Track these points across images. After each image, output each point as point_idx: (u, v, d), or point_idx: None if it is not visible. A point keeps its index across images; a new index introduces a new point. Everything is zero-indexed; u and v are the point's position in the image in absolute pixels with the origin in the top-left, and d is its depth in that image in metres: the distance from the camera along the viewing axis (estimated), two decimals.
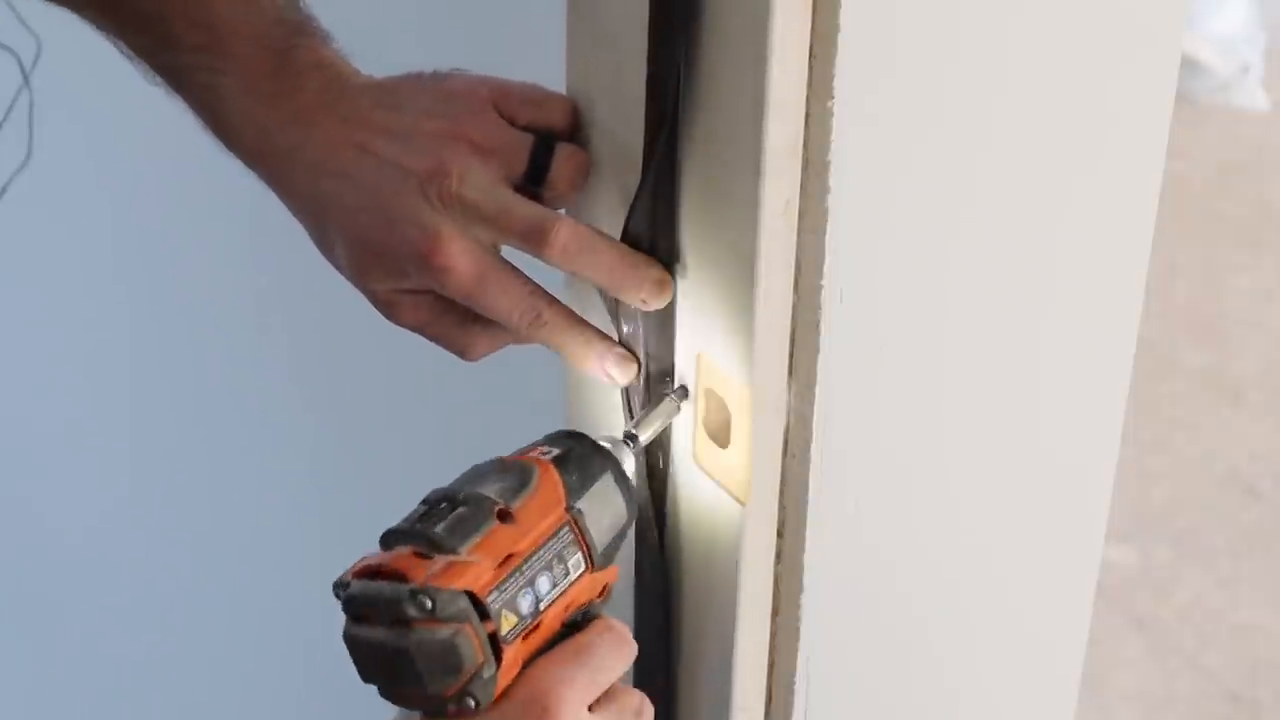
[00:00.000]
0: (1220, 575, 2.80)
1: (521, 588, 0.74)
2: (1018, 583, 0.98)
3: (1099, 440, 0.97)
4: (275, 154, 0.87)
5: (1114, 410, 0.96)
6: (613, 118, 0.86)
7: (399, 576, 0.72)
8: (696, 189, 0.81)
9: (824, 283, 0.79)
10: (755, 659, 0.87)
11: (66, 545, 1.77)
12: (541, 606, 0.74)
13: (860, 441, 0.84)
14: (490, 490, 0.75)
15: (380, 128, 0.85)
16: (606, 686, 0.76)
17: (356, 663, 0.73)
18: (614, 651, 0.77)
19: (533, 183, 0.86)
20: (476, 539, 0.73)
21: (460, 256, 0.83)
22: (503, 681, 0.73)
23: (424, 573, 0.71)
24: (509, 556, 0.74)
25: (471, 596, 0.72)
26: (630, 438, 0.83)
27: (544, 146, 0.86)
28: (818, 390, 0.81)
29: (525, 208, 0.84)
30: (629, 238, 0.83)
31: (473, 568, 0.72)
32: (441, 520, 0.74)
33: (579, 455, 0.80)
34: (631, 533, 0.89)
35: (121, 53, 0.91)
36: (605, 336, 0.87)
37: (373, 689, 0.74)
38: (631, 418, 0.87)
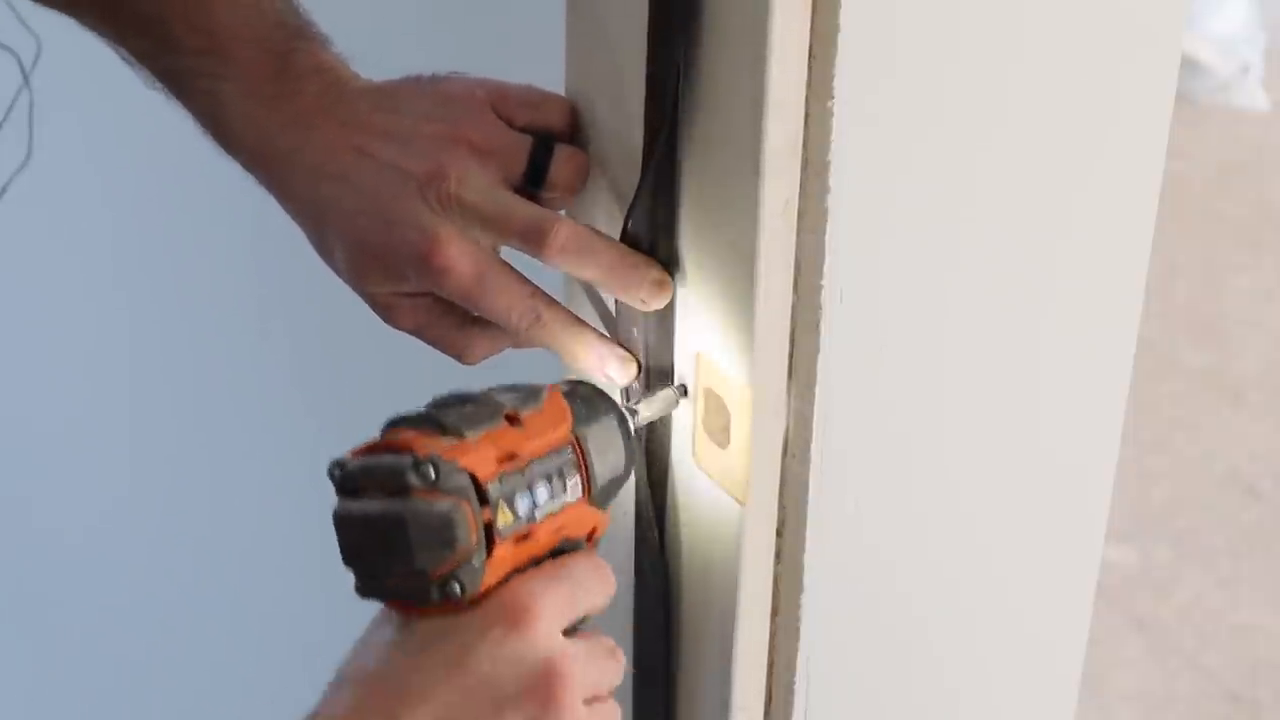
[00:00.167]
0: (1220, 575, 2.80)
1: (521, 488, 0.73)
2: (1018, 583, 0.98)
3: (1099, 440, 0.97)
4: (275, 157, 0.87)
5: (1114, 410, 0.96)
6: (612, 118, 0.86)
7: (403, 450, 0.71)
8: (696, 189, 0.81)
9: (824, 283, 0.79)
10: (755, 659, 0.87)
11: (66, 545, 1.78)
12: (537, 515, 0.73)
13: (860, 441, 0.84)
14: (501, 397, 0.75)
15: (379, 130, 0.85)
16: (585, 611, 0.75)
17: (343, 542, 0.72)
18: (595, 577, 0.76)
19: (532, 184, 0.86)
20: (483, 430, 0.73)
21: (459, 258, 0.83)
22: (489, 578, 0.72)
23: (430, 448, 0.71)
24: (513, 455, 0.73)
25: (474, 479, 0.71)
26: (630, 412, 0.83)
27: (543, 148, 0.86)
28: (818, 390, 0.81)
29: (524, 209, 0.84)
30: (628, 238, 0.83)
31: (478, 452, 0.72)
32: (451, 410, 0.73)
33: (586, 393, 0.80)
34: (629, 519, 0.89)
35: (121, 58, 0.91)
36: (604, 337, 0.87)
37: None
38: None
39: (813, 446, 0.82)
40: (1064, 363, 0.92)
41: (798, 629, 0.86)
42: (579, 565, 0.76)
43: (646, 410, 0.85)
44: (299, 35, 0.88)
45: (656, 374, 0.86)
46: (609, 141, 0.86)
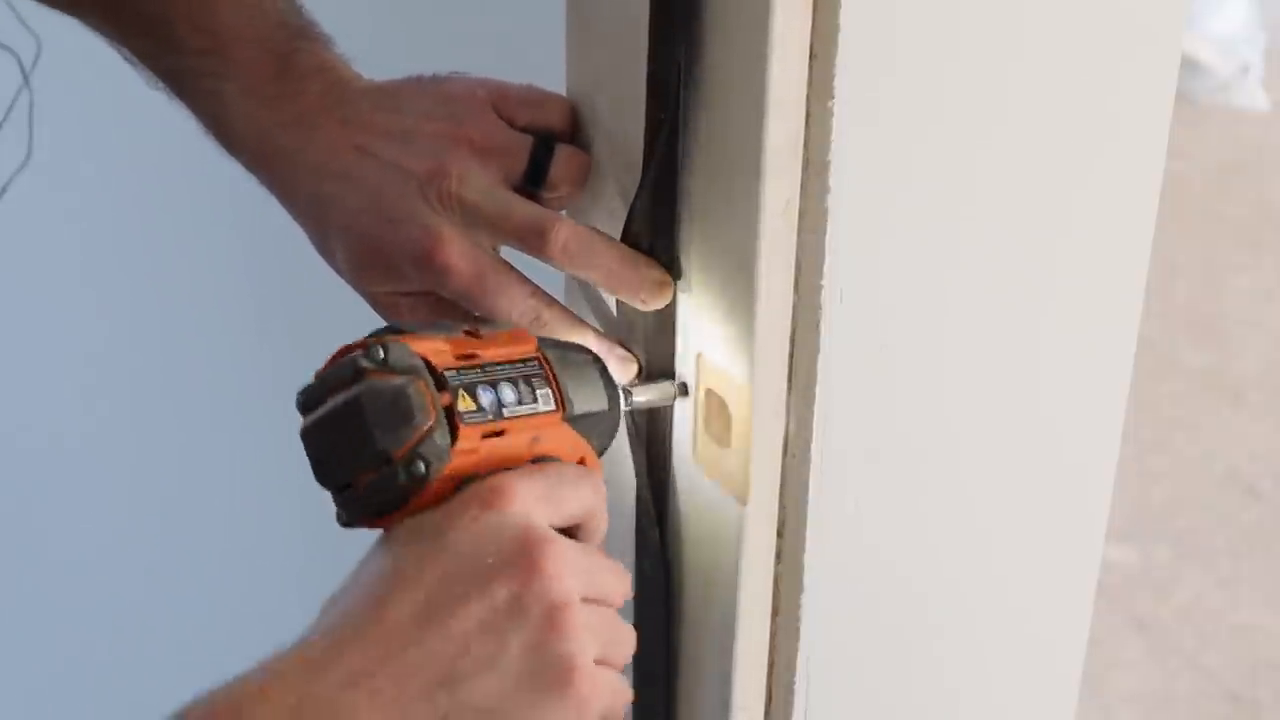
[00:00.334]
0: (1220, 575, 2.80)
1: (482, 382, 0.72)
2: (1018, 583, 0.98)
3: (1099, 440, 0.97)
4: (277, 156, 0.87)
5: (1114, 410, 0.96)
6: (613, 118, 0.86)
7: (356, 349, 0.72)
8: (697, 189, 0.81)
9: (824, 283, 0.79)
10: (755, 659, 0.87)
11: (66, 545, 1.77)
12: (505, 413, 0.73)
13: (860, 441, 0.84)
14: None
15: (381, 130, 0.85)
16: (570, 513, 0.74)
17: (311, 457, 0.72)
18: (578, 476, 0.75)
19: (532, 184, 0.86)
20: (439, 333, 0.73)
21: (460, 257, 0.83)
22: (455, 465, 0.71)
23: (382, 339, 0.71)
24: (472, 355, 0.73)
25: (428, 363, 0.71)
26: (624, 391, 0.83)
27: (543, 147, 0.86)
28: (818, 390, 0.81)
29: (525, 208, 0.84)
30: (629, 238, 0.83)
31: (432, 342, 0.72)
32: (416, 325, 0.74)
33: (561, 340, 0.80)
34: (630, 519, 0.89)
35: (124, 58, 0.91)
36: (604, 337, 0.87)
37: None
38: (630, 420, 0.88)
39: (813, 446, 0.82)
40: (1064, 362, 0.92)
41: (798, 629, 0.86)
42: (565, 468, 0.74)
43: (641, 395, 0.84)
44: (301, 35, 0.88)
45: (657, 374, 0.86)
46: (609, 141, 0.86)
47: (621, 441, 0.89)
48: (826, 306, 0.79)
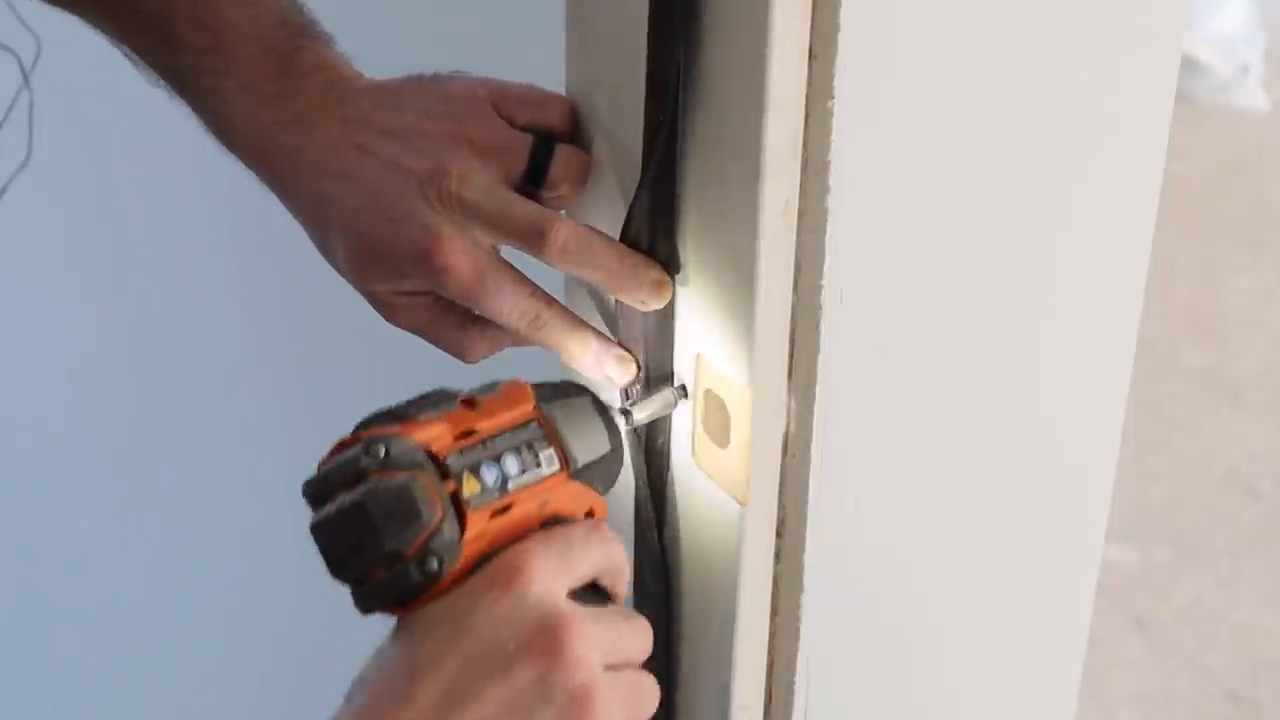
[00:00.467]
0: (1220, 575, 2.80)
1: (485, 458, 0.72)
2: (1018, 583, 0.98)
3: (1099, 440, 0.97)
4: (278, 155, 0.87)
5: (1114, 410, 0.96)
6: (612, 117, 0.86)
7: (356, 443, 0.71)
8: (696, 189, 0.81)
9: (824, 283, 0.79)
10: (755, 659, 0.87)
11: (65, 545, 1.77)
12: (510, 486, 0.73)
13: (860, 441, 0.84)
14: (460, 390, 0.75)
15: (381, 129, 0.85)
16: (584, 575, 0.74)
17: (324, 552, 0.71)
18: (590, 537, 0.75)
19: (532, 183, 0.86)
20: (437, 412, 0.73)
21: (460, 256, 0.83)
22: (469, 550, 0.71)
23: (381, 432, 0.71)
24: (471, 431, 0.73)
25: (429, 453, 0.71)
26: (624, 413, 0.83)
27: (544, 147, 0.86)
28: (818, 390, 0.81)
29: (524, 208, 0.84)
30: (628, 238, 0.83)
31: (431, 428, 0.72)
32: (405, 403, 0.73)
33: (556, 385, 0.79)
34: (629, 520, 0.89)
35: (125, 56, 0.91)
36: (604, 337, 0.87)
37: None
38: None
39: (813, 446, 0.82)
40: (1064, 363, 0.92)
41: (798, 629, 0.86)
42: (573, 530, 0.74)
43: (642, 412, 0.84)
44: (302, 33, 0.88)
45: (656, 375, 0.86)
46: (609, 141, 0.86)
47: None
48: (826, 306, 0.79)
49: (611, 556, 0.75)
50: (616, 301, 0.86)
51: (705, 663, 0.89)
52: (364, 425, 0.73)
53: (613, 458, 0.79)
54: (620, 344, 0.87)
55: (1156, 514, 2.91)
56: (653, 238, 0.83)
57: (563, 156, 0.86)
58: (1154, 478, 2.98)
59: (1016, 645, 1.00)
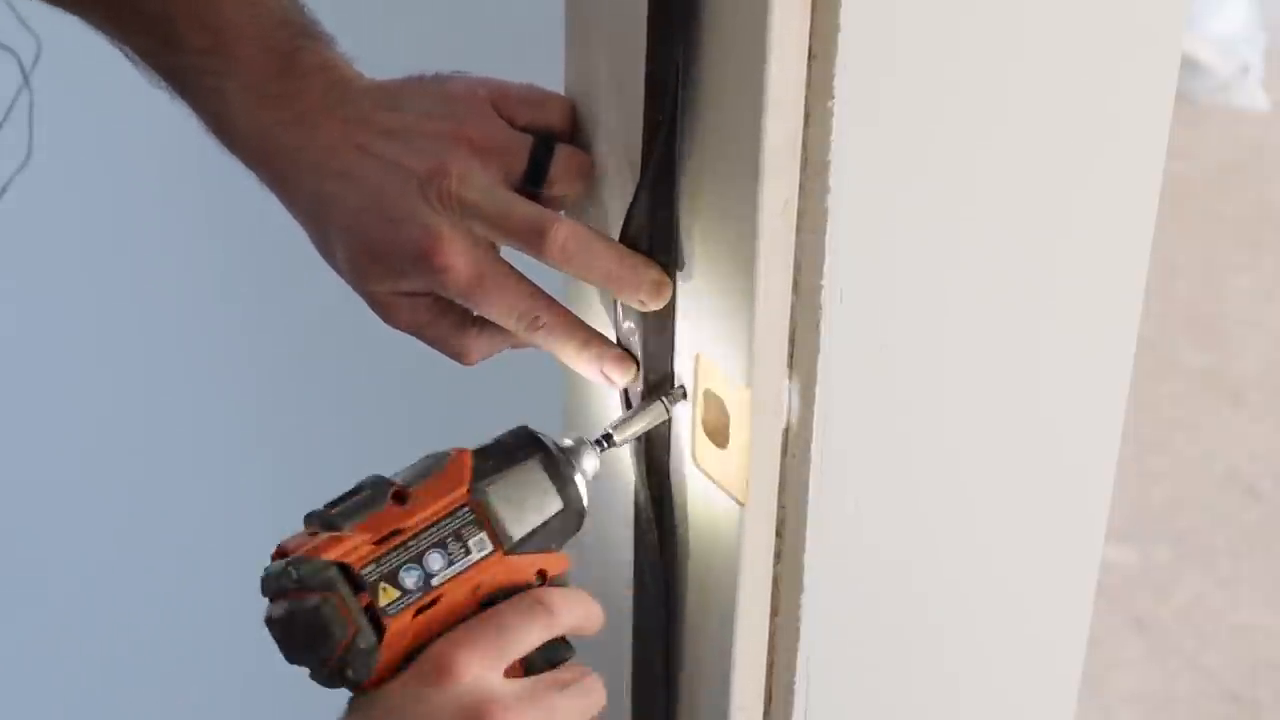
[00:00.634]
0: (1220, 575, 2.80)
1: (405, 562, 0.76)
2: (1018, 583, 0.98)
3: (1099, 440, 0.97)
4: (278, 155, 0.87)
5: (1114, 410, 0.96)
6: (612, 117, 0.86)
7: (281, 556, 0.76)
8: (696, 189, 0.81)
9: (824, 283, 0.79)
10: (755, 659, 0.87)
11: (65, 545, 1.77)
12: (434, 582, 0.76)
13: (860, 441, 0.84)
14: (400, 474, 0.78)
15: (382, 128, 0.85)
16: (520, 653, 0.77)
17: (276, 642, 0.76)
18: (525, 618, 0.77)
19: (532, 183, 0.86)
20: (362, 518, 0.76)
21: (459, 256, 0.83)
22: (390, 653, 0.75)
23: (302, 548, 0.75)
24: (394, 533, 0.76)
25: (343, 568, 0.75)
26: (605, 438, 0.84)
27: (543, 147, 0.86)
28: (818, 390, 0.81)
29: (524, 208, 0.84)
30: (628, 238, 0.83)
31: (347, 541, 0.75)
32: (341, 502, 0.77)
33: (506, 445, 0.81)
34: (625, 531, 0.89)
35: (126, 57, 0.91)
36: (603, 338, 0.87)
37: None
38: None
39: (813, 446, 0.82)
40: (1064, 362, 0.92)
41: (798, 629, 0.86)
42: (503, 611, 0.77)
43: (626, 433, 0.85)
44: (303, 34, 0.88)
45: (656, 375, 0.86)
46: (609, 141, 0.86)
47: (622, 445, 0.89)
48: (826, 306, 0.79)
49: (546, 629, 0.78)
50: (616, 302, 0.86)
51: (705, 663, 0.89)
52: (311, 518, 0.77)
53: (566, 514, 0.81)
54: (620, 345, 0.87)
55: (1156, 514, 2.91)
56: (652, 238, 0.83)
57: (562, 156, 0.86)
58: (1154, 478, 2.98)
59: (1016, 645, 1.00)
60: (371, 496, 0.77)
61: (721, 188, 0.79)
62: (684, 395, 0.85)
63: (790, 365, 0.82)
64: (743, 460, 0.82)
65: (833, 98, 0.76)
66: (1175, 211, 2.56)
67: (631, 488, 0.89)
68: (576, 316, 0.86)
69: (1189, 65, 4.07)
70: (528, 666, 0.78)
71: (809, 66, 0.76)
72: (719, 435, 0.83)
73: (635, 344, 0.86)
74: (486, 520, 0.78)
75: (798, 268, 0.80)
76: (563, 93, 0.89)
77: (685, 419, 0.86)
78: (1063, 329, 0.91)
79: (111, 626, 1.79)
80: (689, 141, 0.80)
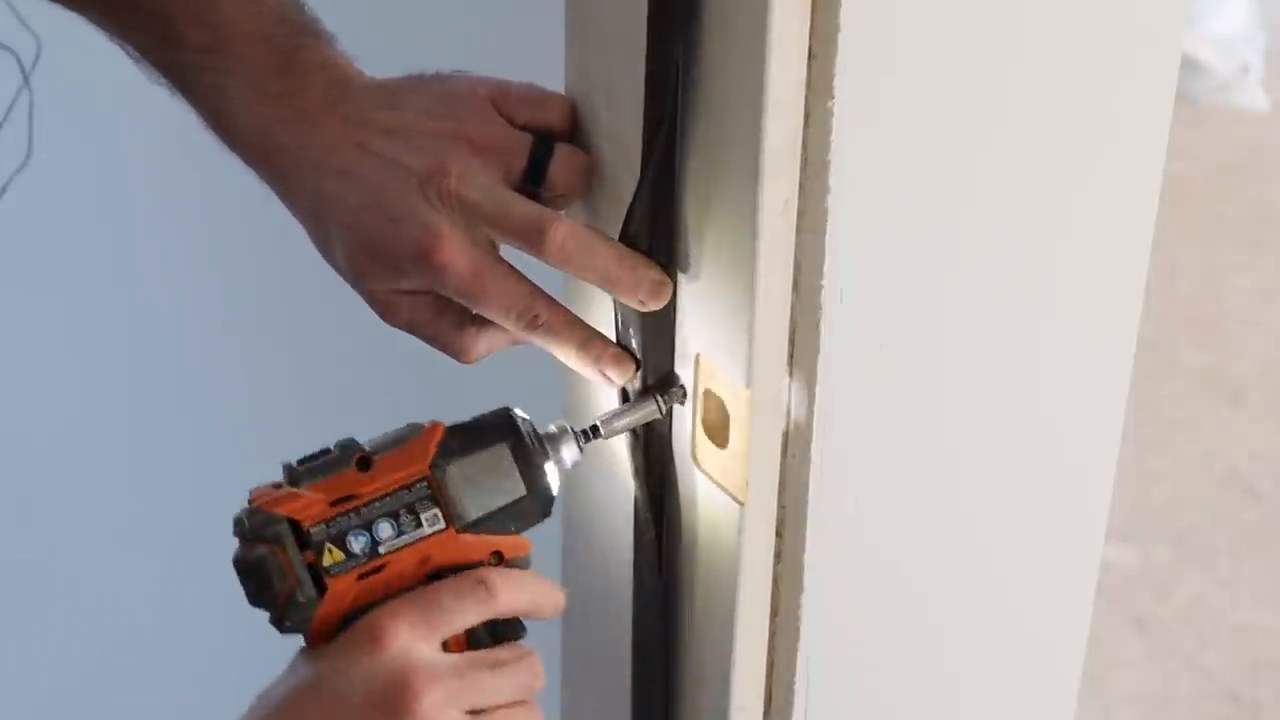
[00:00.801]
0: (1220, 575, 2.80)
1: (354, 527, 0.79)
2: (1018, 583, 0.98)
3: (1099, 440, 0.97)
4: (278, 153, 0.87)
5: (1114, 410, 0.96)
6: (612, 117, 0.86)
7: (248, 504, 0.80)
8: (696, 188, 0.81)
9: (824, 283, 0.79)
10: (755, 659, 0.87)
11: (65, 545, 1.77)
12: (380, 550, 0.79)
13: (860, 441, 0.84)
14: (373, 441, 0.81)
15: (381, 127, 0.85)
16: (454, 629, 0.78)
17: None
18: (459, 593, 0.79)
19: (532, 183, 0.86)
20: (322, 478, 0.79)
21: (459, 254, 0.83)
22: (328, 611, 0.78)
23: (260, 500, 0.79)
24: (349, 497, 0.79)
25: (294, 524, 0.78)
26: (593, 429, 0.84)
27: (543, 146, 0.86)
28: (818, 390, 0.81)
29: (524, 207, 0.84)
30: (627, 238, 0.83)
31: (303, 499, 0.79)
32: (312, 461, 0.80)
33: (480, 426, 0.82)
34: (625, 531, 0.89)
35: (127, 54, 0.91)
36: (602, 337, 0.87)
37: None
38: None
39: (813, 446, 0.82)
40: (1064, 362, 0.92)
41: (798, 629, 0.86)
42: (442, 589, 0.79)
43: (613, 426, 0.85)
44: (304, 31, 0.88)
45: (656, 375, 0.86)
46: (609, 141, 0.86)
47: (620, 443, 0.89)
48: (826, 306, 0.79)
49: (484, 609, 0.79)
50: (616, 301, 0.86)
51: (705, 663, 0.89)
52: (283, 471, 0.80)
53: (529, 500, 0.82)
54: (619, 343, 0.87)
55: (1156, 514, 2.91)
56: (652, 238, 0.83)
57: (562, 156, 0.86)
58: (1154, 478, 2.98)
59: (1016, 645, 1.00)
60: (337, 459, 0.80)
61: (721, 187, 0.79)
62: (684, 395, 0.85)
63: (790, 365, 0.82)
64: (743, 460, 0.82)
65: (833, 98, 0.76)
66: (1175, 211, 2.56)
67: (630, 488, 0.89)
68: (576, 315, 0.86)
69: (1189, 65, 4.07)
70: (472, 643, 0.80)
71: (809, 66, 0.76)
72: (719, 435, 0.83)
73: (635, 344, 0.86)
74: (442, 497, 0.80)
75: (798, 268, 0.80)
76: (563, 92, 0.89)
77: (685, 419, 0.86)
78: (1063, 329, 0.91)
79: (111, 626, 1.79)
80: (689, 141, 0.80)
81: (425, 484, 0.80)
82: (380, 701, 0.75)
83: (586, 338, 0.86)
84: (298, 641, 0.80)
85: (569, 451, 0.83)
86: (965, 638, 0.97)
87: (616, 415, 0.86)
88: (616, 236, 0.84)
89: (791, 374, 0.82)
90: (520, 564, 0.81)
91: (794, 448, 0.83)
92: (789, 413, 0.83)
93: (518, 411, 0.83)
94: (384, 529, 0.79)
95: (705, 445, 0.85)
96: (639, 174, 0.82)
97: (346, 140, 0.85)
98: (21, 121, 1.27)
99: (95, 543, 1.77)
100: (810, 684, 0.88)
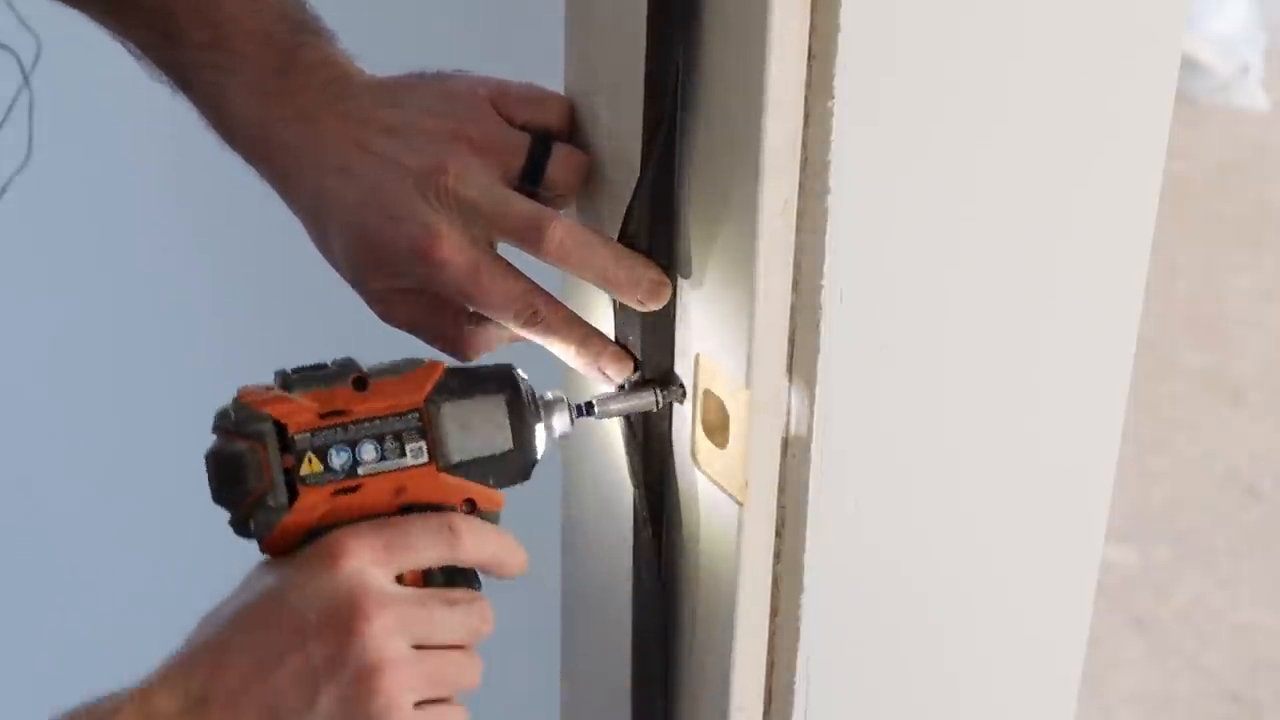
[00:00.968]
0: (1220, 575, 2.80)
1: (339, 442, 0.78)
2: (1018, 583, 0.98)
3: (1099, 440, 0.97)
4: (279, 151, 0.87)
5: (1114, 410, 0.96)
6: (611, 117, 0.86)
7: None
8: (695, 188, 0.81)
9: (824, 283, 0.79)
10: (754, 659, 0.87)
11: (64, 545, 1.77)
12: (360, 471, 0.78)
13: (860, 442, 0.84)
14: (373, 366, 0.80)
15: (381, 126, 0.85)
16: (413, 565, 0.78)
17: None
18: (425, 531, 0.78)
19: (531, 182, 0.86)
20: (316, 389, 0.78)
21: (457, 252, 0.83)
22: (294, 522, 0.77)
23: (250, 397, 0.78)
24: (339, 413, 0.78)
25: (279, 427, 0.77)
26: (587, 406, 0.84)
27: (542, 146, 0.86)
28: (818, 390, 0.81)
29: (522, 205, 0.84)
30: (626, 237, 0.83)
31: (292, 404, 0.78)
32: (307, 370, 0.79)
33: (481, 374, 0.82)
34: (624, 531, 0.89)
35: (128, 51, 0.91)
36: (601, 335, 0.87)
37: None
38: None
39: (813, 446, 0.82)
40: (1064, 362, 0.92)
41: (798, 629, 0.86)
42: (411, 523, 0.78)
43: (609, 406, 0.85)
44: (304, 30, 0.88)
45: (655, 374, 0.86)
46: (608, 141, 0.86)
47: (619, 443, 0.89)
48: (826, 306, 0.79)
49: (445, 549, 0.79)
50: (616, 300, 0.86)
51: (705, 663, 0.89)
52: (277, 376, 0.79)
53: (514, 456, 0.81)
54: (618, 343, 0.87)
55: (1156, 514, 2.91)
56: (651, 237, 0.83)
57: (561, 155, 0.86)
58: (1154, 478, 2.98)
59: (1016, 645, 1.00)
60: (334, 374, 0.79)
61: (721, 187, 0.79)
62: (682, 394, 0.85)
63: (790, 365, 0.82)
64: (742, 460, 0.82)
65: (833, 98, 0.75)
66: (1175, 211, 2.56)
67: (629, 488, 0.89)
68: (574, 313, 0.86)
69: (1189, 65, 4.08)
70: (428, 583, 0.79)
71: (809, 66, 0.76)
72: (719, 435, 0.83)
73: (635, 342, 0.86)
74: (431, 431, 0.79)
75: (798, 268, 0.80)
76: (563, 92, 0.89)
77: (685, 419, 0.86)
78: (1063, 329, 0.91)
79: (112, 625, 1.80)
80: (689, 141, 0.80)
81: (417, 415, 0.79)
82: (330, 620, 0.74)
83: (585, 335, 0.86)
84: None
85: (560, 421, 0.83)
86: (965, 638, 0.97)
87: (613, 398, 0.86)
88: (616, 236, 0.84)
89: (791, 374, 0.82)
90: (490, 518, 0.81)
91: (794, 448, 0.83)
92: (789, 413, 0.83)
93: (520, 371, 0.83)
94: (367, 450, 0.78)
95: (705, 445, 0.85)
96: (638, 174, 0.82)
97: (346, 138, 0.85)
98: (21, 121, 1.27)
99: (95, 542, 1.77)
100: (810, 684, 0.88)
